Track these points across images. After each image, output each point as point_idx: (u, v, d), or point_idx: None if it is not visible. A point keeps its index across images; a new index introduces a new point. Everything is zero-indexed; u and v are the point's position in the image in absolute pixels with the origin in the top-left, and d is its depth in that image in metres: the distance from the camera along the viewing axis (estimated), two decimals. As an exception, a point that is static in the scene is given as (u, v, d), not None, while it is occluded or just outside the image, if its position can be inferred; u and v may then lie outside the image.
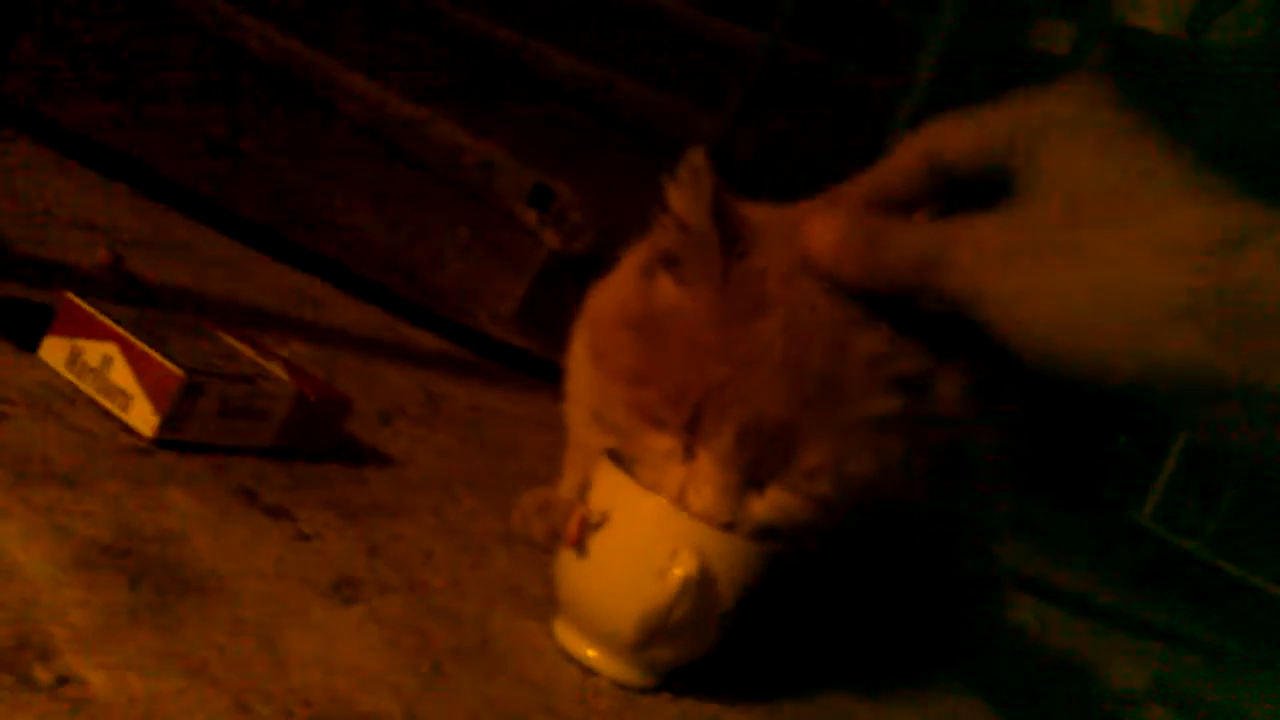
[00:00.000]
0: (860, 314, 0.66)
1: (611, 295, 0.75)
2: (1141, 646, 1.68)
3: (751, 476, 0.67)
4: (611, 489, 0.67)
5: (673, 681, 0.70)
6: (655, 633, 0.65)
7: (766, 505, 0.68)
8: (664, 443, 0.68)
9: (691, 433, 0.67)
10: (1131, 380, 0.54)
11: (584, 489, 0.70)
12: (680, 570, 0.63)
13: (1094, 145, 0.57)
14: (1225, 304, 0.51)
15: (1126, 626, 1.77)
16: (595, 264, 0.80)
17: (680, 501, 0.66)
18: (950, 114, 0.64)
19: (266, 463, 0.73)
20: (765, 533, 0.68)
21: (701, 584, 0.64)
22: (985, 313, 0.58)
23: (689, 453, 0.67)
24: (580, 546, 0.67)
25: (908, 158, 0.65)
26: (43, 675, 0.44)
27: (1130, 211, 0.55)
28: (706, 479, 0.66)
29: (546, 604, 0.72)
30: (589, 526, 0.67)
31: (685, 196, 0.67)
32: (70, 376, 0.69)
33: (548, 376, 1.15)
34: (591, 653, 0.68)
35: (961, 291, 0.58)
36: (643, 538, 0.66)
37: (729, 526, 0.66)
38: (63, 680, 0.45)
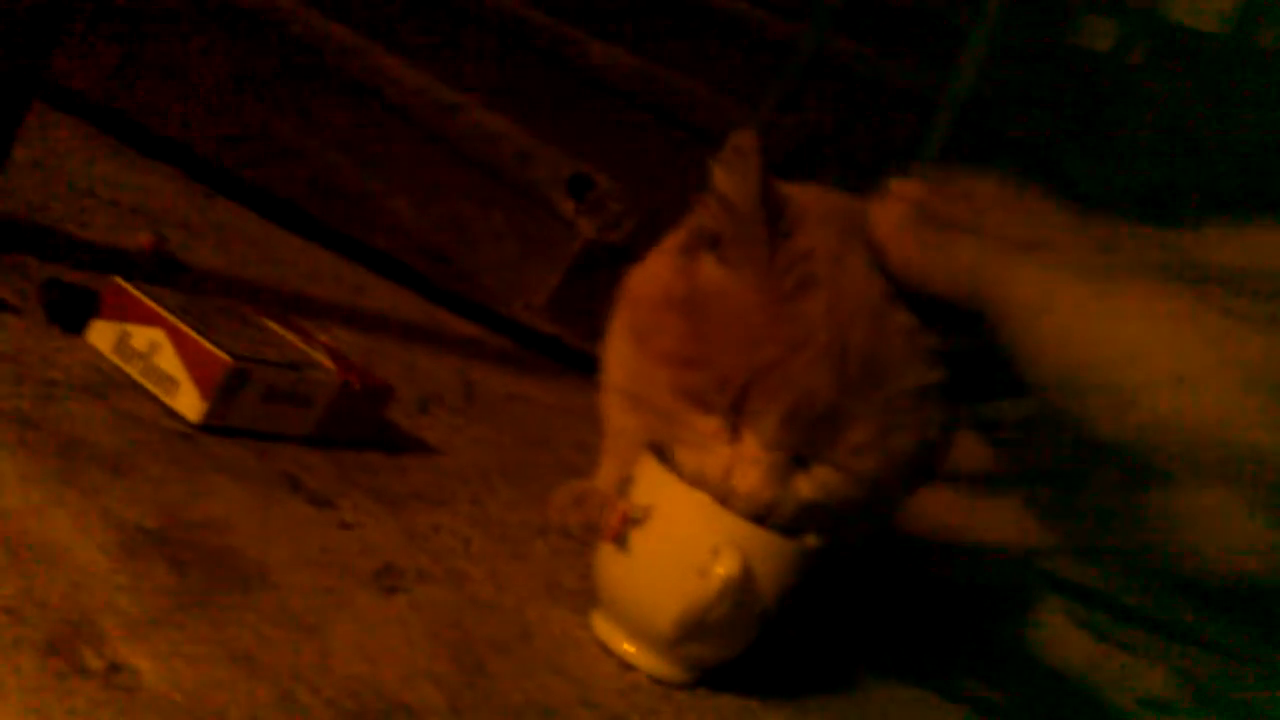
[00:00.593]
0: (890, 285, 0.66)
1: (652, 276, 0.75)
2: (1173, 650, 1.66)
3: (797, 456, 0.67)
4: (654, 484, 0.67)
5: (709, 677, 0.70)
6: (694, 630, 0.65)
7: (812, 484, 0.68)
8: (709, 425, 0.68)
9: (737, 414, 0.67)
10: (1142, 437, 0.53)
11: (625, 483, 0.69)
12: (722, 569, 0.63)
13: None
14: (1257, 379, 0.51)
15: (1158, 629, 1.75)
16: (632, 254, 0.80)
17: (725, 483, 0.66)
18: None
19: (308, 450, 0.73)
20: (810, 518, 0.68)
21: (743, 583, 0.64)
22: (1025, 342, 0.58)
23: (734, 434, 0.67)
24: (621, 541, 0.67)
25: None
26: (95, 662, 0.45)
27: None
28: (753, 460, 0.66)
29: (584, 596, 0.73)
30: (630, 521, 0.67)
31: (732, 177, 0.67)
32: (117, 361, 0.70)
33: (582, 366, 1.15)
34: (629, 647, 0.68)
35: (1006, 317, 0.59)
36: (685, 534, 0.66)
37: (773, 507, 0.66)
38: (114, 668, 0.45)
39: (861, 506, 0.70)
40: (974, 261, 0.61)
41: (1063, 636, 1.26)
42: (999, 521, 0.70)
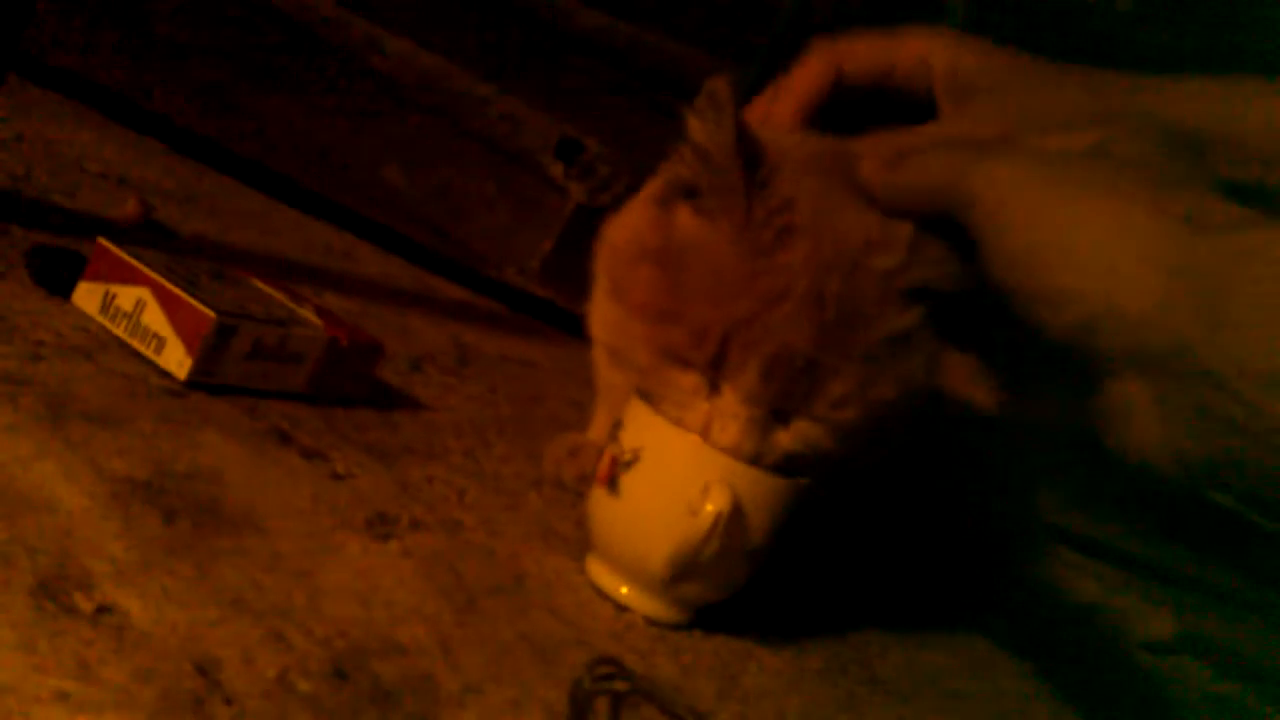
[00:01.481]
0: (879, 227, 0.66)
1: (627, 227, 0.74)
2: (1171, 596, 1.67)
3: (777, 409, 0.67)
4: (643, 427, 0.68)
5: (704, 618, 0.70)
6: (687, 569, 0.65)
7: (792, 436, 0.68)
8: (688, 380, 0.68)
9: (716, 369, 0.67)
10: (1083, 324, 0.54)
11: (615, 428, 0.70)
12: (712, 506, 0.63)
13: None
14: (1200, 263, 0.52)
15: (1156, 576, 1.76)
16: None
17: (705, 438, 0.66)
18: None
19: (299, 406, 0.73)
20: (793, 465, 0.68)
21: (733, 520, 0.64)
22: (985, 237, 0.58)
23: (713, 388, 0.67)
24: (612, 484, 0.67)
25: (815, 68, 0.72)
26: (84, 604, 0.45)
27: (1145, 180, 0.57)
28: (732, 414, 0.66)
29: (578, 544, 0.73)
30: (620, 465, 0.67)
31: (706, 126, 0.67)
32: (103, 321, 0.70)
33: (575, 329, 1.15)
34: (624, 589, 0.68)
35: (970, 214, 0.60)
36: (674, 474, 0.66)
37: (755, 460, 0.66)
38: (103, 609, 0.45)
39: (845, 454, 0.70)
40: (941, 169, 0.62)
41: (1067, 582, 1.26)
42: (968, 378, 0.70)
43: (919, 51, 0.71)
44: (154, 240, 0.92)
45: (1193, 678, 1.27)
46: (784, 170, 0.67)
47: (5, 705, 0.38)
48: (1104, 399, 0.55)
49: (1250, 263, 0.50)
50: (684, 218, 0.69)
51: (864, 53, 0.73)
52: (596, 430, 0.87)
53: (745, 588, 0.70)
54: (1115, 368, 0.54)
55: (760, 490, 0.66)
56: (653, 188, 0.74)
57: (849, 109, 0.72)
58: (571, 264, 1.52)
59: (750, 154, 0.66)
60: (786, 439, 0.68)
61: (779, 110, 0.75)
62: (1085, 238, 0.55)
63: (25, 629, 0.42)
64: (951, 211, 0.61)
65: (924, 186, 0.63)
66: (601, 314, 0.78)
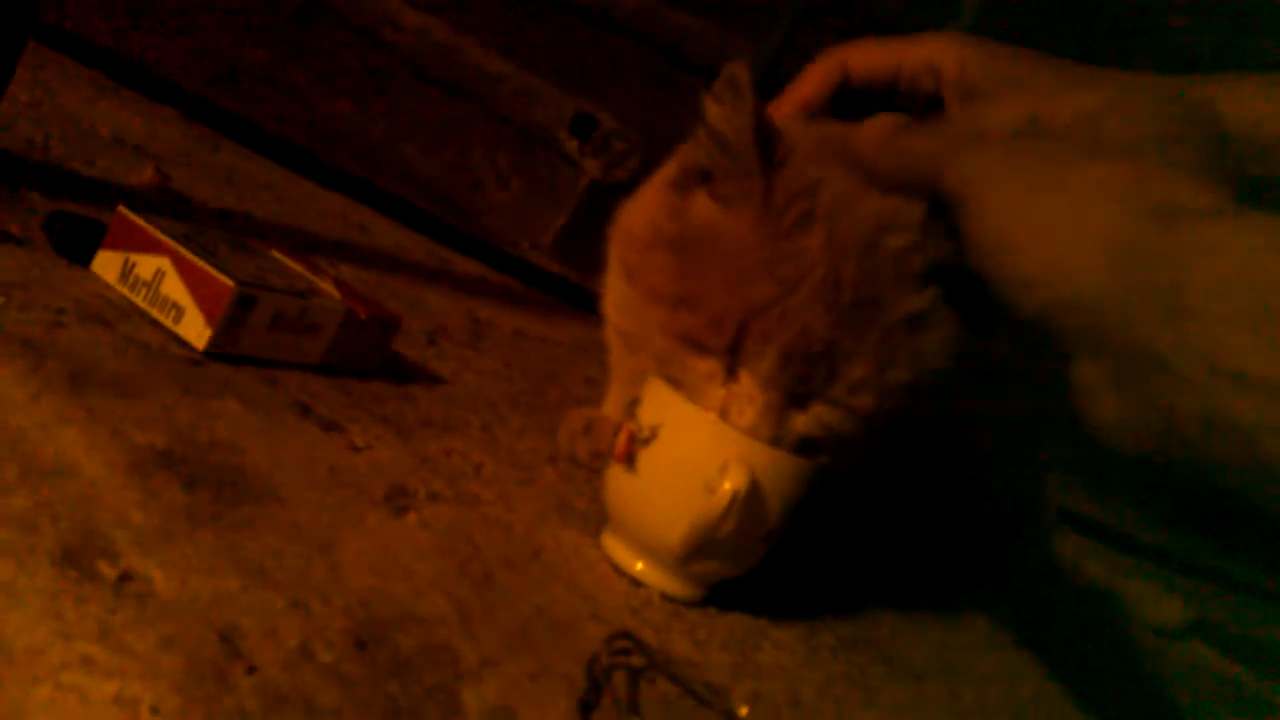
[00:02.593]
0: (892, 209, 0.66)
1: (643, 212, 0.74)
2: (1183, 583, 1.67)
3: (794, 394, 0.67)
4: (661, 404, 0.68)
5: (718, 595, 0.71)
6: (703, 546, 0.66)
7: (809, 420, 0.68)
8: (704, 365, 0.68)
9: (733, 354, 0.67)
10: (1045, 309, 0.55)
11: (633, 405, 0.70)
12: (730, 484, 0.63)
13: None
14: (1155, 252, 0.52)
15: (1168, 563, 1.76)
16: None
17: (724, 419, 0.66)
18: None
19: (317, 378, 0.73)
20: (810, 447, 0.68)
21: (750, 499, 0.64)
22: (964, 220, 0.59)
23: (730, 374, 0.67)
24: (629, 461, 0.67)
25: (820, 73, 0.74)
26: (107, 571, 0.45)
27: (1119, 158, 0.57)
28: (749, 399, 0.66)
29: (594, 519, 0.73)
30: (638, 441, 0.67)
31: (724, 111, 0.66)
32: (123, 290, 0.70)
33: (588, 305, 1.15)
34: (639, 565, 0.68)
35: (952, 198, 0.60)
36: (693, 452, 0.66)
37: (771, 443, 0.66)
38: (126, 577, 0.45)
39: (862, 437, 0.70)
40: (926, 155, 0.63)
41: (1078, 565, 1.27)
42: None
43: (927, 55, 0.71)
44: (170, 209, 0.92)
45: (1203, 662, 1.27)
46: (798, 156, 0.67)
47: (33, 670, 0.38)
48: (1073, 376, 0.56)
49: (1214, 255, 0.50)
50: (701, 203, 0.69)
51: (871, 56, 0.74)
52: (610, 407, 0.87)
53: (759, 565, 0.70)
54: (1077, 351, 0.55)
55: (778, 470, 0.66)
56: (667, 172, 0.73)
57: (857, 112, 0.72)
58: (585, 240, 1.52)
59: (768, 139, 0.66)
60: (803, 422, 0.68)
61: (784, 108, 0.76)
62: (1050, 226, 0.55)
63: (51, 595, 0.42)
64: (934, 190, 0.62)
65: (910, 171, 0.64)
66: (616, 297, 0.78)
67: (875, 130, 0.67)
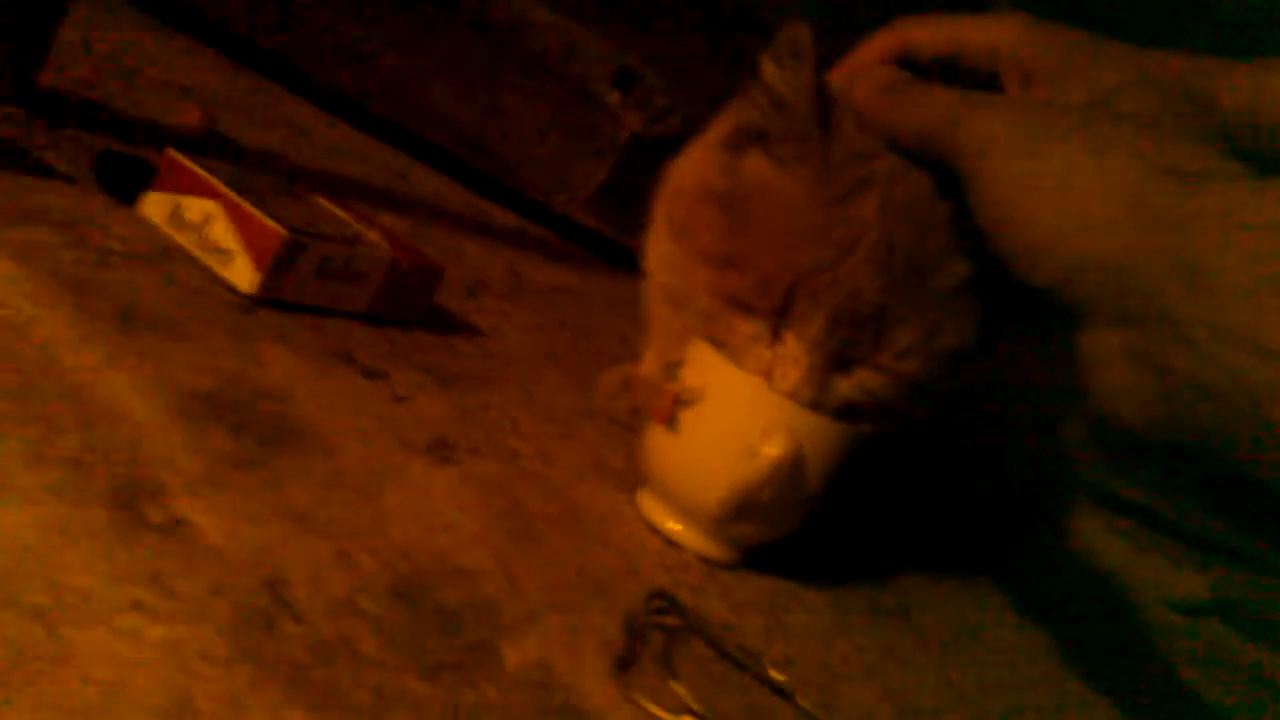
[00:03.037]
0: (934, 179, 0.65)
1: (693, 169, 0.73)
2: (1203, 561, 1.67)
3: (839, 359, 0.67)
4: (706, 367, 0.67)
5: (752, 559, 0.71)
6: (741, 510, 0.66)
7: (853, 385, 0.67)
8: (750, 326, 0.67)
9: (780, 317, 0.66)
10: (1060, 276, 0.54)
11: (676, 366, 0.69)
12: (772, 450, 0.63)
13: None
14: (1170, 217, 0.51)
15: (1189, 540, 1.76)
16: (678, 149, 0.79)
17: (768, 382, 0.66)
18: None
19: (360, 326, 0.74)
20: (852, 412, 0.68)
21: (791, 465, 0.64)
22: (974, 179, 0.58)
23: (776, 336, 0.67)
24: (671, 422, 0.67)
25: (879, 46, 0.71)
26: (156, 516, 0.45)
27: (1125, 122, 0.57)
28: (794, 361, 0.66)
29: (630, 477, 0.73)
30: (681, 403, 0.67)
31: (783, 73, 0.66)
32: (171, 232, 0.70)
33: (625, 261, 1.15)
34: (676, 526, 0.69)
35: (960, 161, 0.59)
36: (736, 416, 0.66)
37: (813, 407, 0.66)
38: (174, 522, 0.46)
39: (906, 403, 0.70)
40: (934, 114, 0.62)
41: (1099, 539, 1.26)
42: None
43: (988, 36, 0.70)
44: (216, 151, 0.92)
45: (1222, 641, 1.27)
46: (850, 119, 0.67)
47: (86, 611, 0.38)
48: (1081, 347, 0.55)
49: (1236, 221, 0.49)
50: (754, 163, 0.68)
51: (934, 32, 0.72)
52: (648, 365, 0.87)
53: (795, 531, 0.70)
54: (1092, 319, 0.54)
55: (820, 436, 0.66)
56: (719, 129, 0.73)
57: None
58: (624, 196, 1.52)
59: (826, 104, 0.66)
60: (847, 387, 0.67)
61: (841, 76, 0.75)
62: (1069, 184, 0.54)
63: (102, 539, 0.42)
64: (936, 151, 0.61)
65: (916, 128, 0.63)
66: (661, 254, 0.78)
67: (871, 82, 0.66)
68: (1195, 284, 0.49)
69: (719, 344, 0.68)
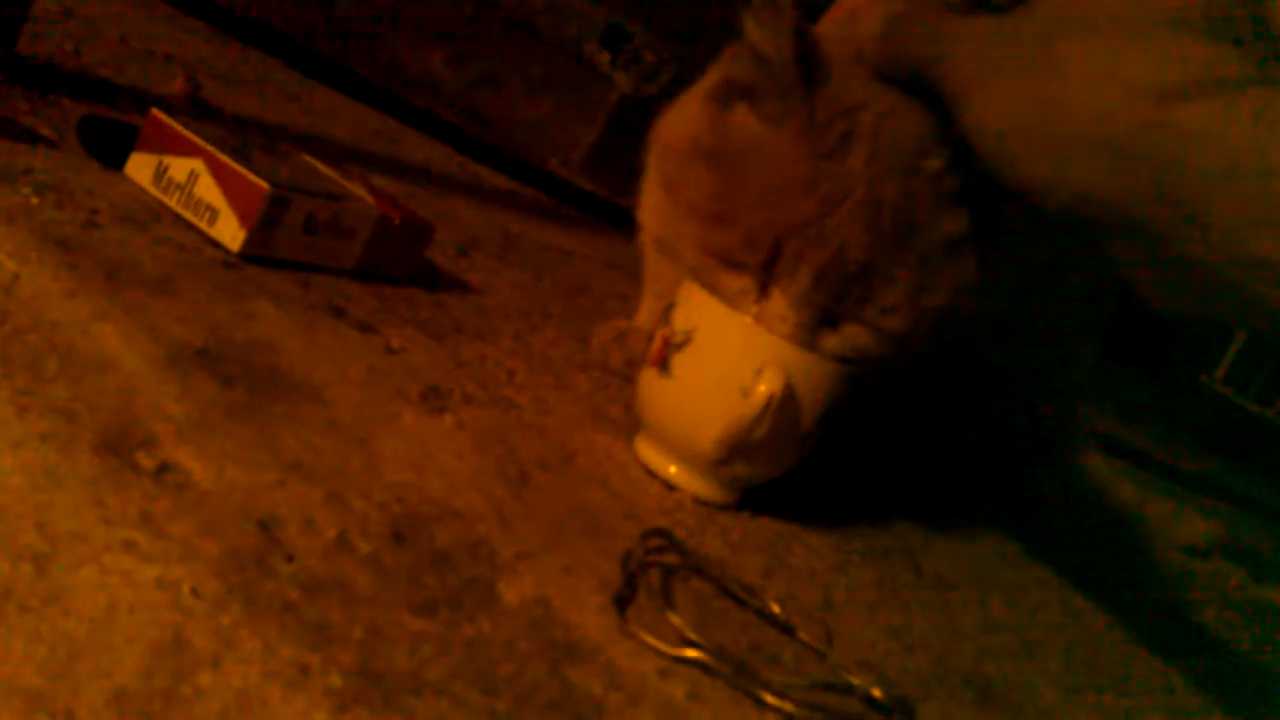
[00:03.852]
0: (929, 129, 0.65)
1: (682, 122, 0.73)
2: (1209, 506, 1.67)
3: (826, 314, 0.67)
4: (696, 308, 0.67)
5: (750, 500, 0.71)
6: (737, 449, 0.65)
7: (840, 340, 0.67)
8: (737, 281, 0.67)
9: (767, 273, 0.66)
10: (1062, 204, 0.54)
11: (668, 309, 0.69)
12: (765, 387, 0.63)
13: None
14: (1146, 149, 0.51)
15: (1194, 487, 1.76)
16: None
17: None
18: None
19: (351, 283, 0.73)
20: (843, 359, 0.68)
21: (784, 402, 0.64)
22: (964, 114, 0.59)
23: (763, 291, 0.67)
24: (663, 365, 0.67)
25: None
26: (146, 462, 0.45)
27: (1109, 33, 0.55)
28: (780, 318, 0.66)
29: (626, 426, 0.73)
30: (672, 346, 0.67)
31: (764, 31, 0.65)
32: (156, 192, 0.69)
33: (618, 221, 1.14)
34: (673, 469, 0.69)
35: (951, 91, 0.59)
36: (728, 356, 0.65)
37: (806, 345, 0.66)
38: (165, 468, 0.45)
39: (892, 357, 0.69)
40: (920, 46, 0.62)
41: (1108, 486, 1.26)
42: None
43: None
44: (202, 117, 0.91)
45: (1231, 583, 1.27)
46: (838, 68, 0.66)
47: (78, 552, 0.38)
48: (1110, 250, 0.55)
49: (1211, 140, 0.49)
50: (741, 118, 0.68)
51: None
52: (644, 318, 0.87)
53: (792, 471, 0.70)
54: (1108, 235, 0.54)
55: (813, 373, 0.65)
56: (708, 83, 0.72)
57: None
58: (615, 156, 1.51)
59: (810, 58, 0.65)
60: (834, 342, 0.67)
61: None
62: (1044, 125, 0.54)
63: (92, 483, 0.42)
64: (931, 78, 0.61)
65: (907, 64, 0.63)
66: (652, 205, 0.77)
67: (868, 11, 0.66)
68: (1184, 209, 0.49)
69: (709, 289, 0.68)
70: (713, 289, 0.68)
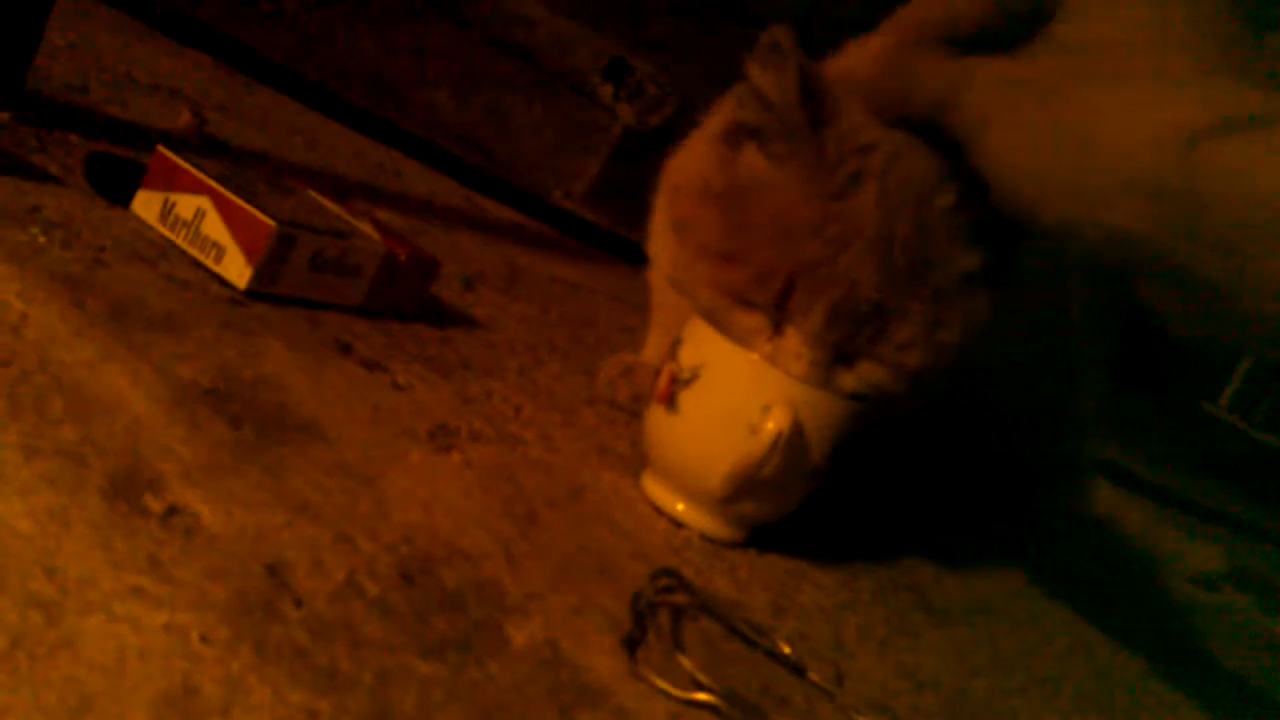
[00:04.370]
0: (938, 166, 0.65)
1: (692, 163, 0.73)
2: (1217, 534, 1.66)
3: (841, 352, 0.66)
4: (703, 344, 0.67)
5: (758, 538, 0.70)
6: (745, 487, 0.65)
7: (856, 378, 0.67)
8: (751, 320, 0.67)
9: (780, 311, 0.66)
10: (1092, 243, 0.54)
11: (674, 346, 0.69)
12: (773, 425, 0.63)
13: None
14: (1181, 188, 0.51)
15: (1201, 515, 1.75)
16: (672, 139, 0.78)
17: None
18: None
19: (357, 319, 0.73)
20: (858, 396, 0.68)
21: (793, 440, 0.64)
22: (981, 155, 0.59)
23: (777, 329, 0.67)
24: (670, 402, 0.67)
25: None
26: (154, 505, 0.45)
27: (1132, 71, 0.55)
28: (795, 355, 0.66)
29: (634, 461, 0.73)
30: (680, 382, 0.67)
31: (768, 75, 0.65)
32: (163, 229, 0.69)
33: (622, 253, 1.14)
34: (680, 506, 0.68)
35: (966, 132, 0.59)
36: (736, 393, 0.65)
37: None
38: (173, 510, 0.45)
39: (910, 394, 0.69)
40: (934, 85, 0.62)
41: (1115, 515, 1.26)
42: None
43: None
44: (207, 152, 0.91)
45: (1239, 612, 1.27)
46: (845, 104, 0.66)
47: (85, 597, 0.38)
48: (1139, 289, 0.56)
49: (1241, 178, 0.49)
50: (750, 158, 0.68)
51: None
52: (650, 352, 0.87)
53: (799, 509, 0.70)
54: (1133, 268, 0.55)
55: (821, 410, 0.65)
56: (716, 124, 0.72)
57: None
58: (619, 188, 1.51)
59: (815, 99, 0.65)
60: (851, 380, 0.67)
61: (905, 15, 0.72)
62: (1069, 166, 0.54)
63: (100, 527, 0.42)
64: (938, 116, 0.61)
65: (920, 98, 0.63)
66: (664, 247, 0.77)
67: (865, 52, 0.66)
68: (1217, 247, 0.49)
69: (721, 328, 0.68)
70: (726, 327, 0.68)
